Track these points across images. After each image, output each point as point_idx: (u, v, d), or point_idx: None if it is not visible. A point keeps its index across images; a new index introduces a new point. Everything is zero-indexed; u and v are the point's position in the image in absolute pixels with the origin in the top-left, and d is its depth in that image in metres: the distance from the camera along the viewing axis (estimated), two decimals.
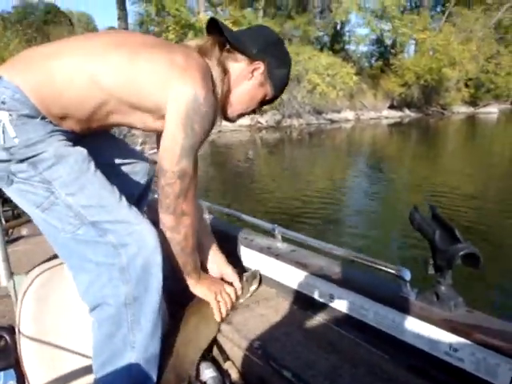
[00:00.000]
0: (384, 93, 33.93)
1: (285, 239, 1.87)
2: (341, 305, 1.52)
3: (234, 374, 1.45)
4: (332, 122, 27.57)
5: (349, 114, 30.22)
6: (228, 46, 1.46)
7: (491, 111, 39.93)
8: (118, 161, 1.61)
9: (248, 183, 10.38)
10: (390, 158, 15.21)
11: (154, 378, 1.30)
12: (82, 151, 1.28)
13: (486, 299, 4.18)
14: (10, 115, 1.17)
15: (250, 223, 2.02)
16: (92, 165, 1.29)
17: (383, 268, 1.41)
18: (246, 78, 1.47)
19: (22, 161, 1.20)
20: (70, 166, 1.23)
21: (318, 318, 1.58)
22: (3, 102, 1.17)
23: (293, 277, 1.70)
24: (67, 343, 1.44)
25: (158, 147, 1.62)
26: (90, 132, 1.38)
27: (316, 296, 1.62)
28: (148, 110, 1.34)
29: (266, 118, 23.82)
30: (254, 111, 1.58)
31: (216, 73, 1.39)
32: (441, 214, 1.30)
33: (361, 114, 31.35)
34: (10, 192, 1.27)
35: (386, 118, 32.77)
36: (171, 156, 1.30)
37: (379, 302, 1.41)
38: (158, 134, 1.52)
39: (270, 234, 1.91)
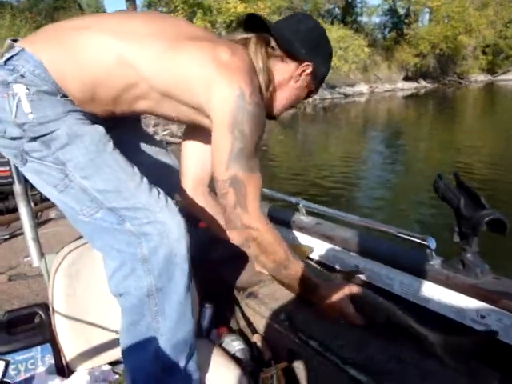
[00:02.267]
0: (398, 64, 33.45)
1: (309, 213, 1.88)
2: (366, 275, 1.53)
3: (262, 346, 1.48)
4: (346, 95, 27.29)
5: (363, 88, 29.87)
6: (273, 44, 1.35)
7: (510, 78, 39.07)
8: (148, 160, 1.53)
9: (264, 160, 10.36)
10: (407, 130, 15.03)
11: (183, 362, 1.25)
12: (98, 129, 1.18)
13: None
14: (28, 89, 1.08)
15: (274, 198, 2.03)
16: (110, 144, 1.18)
17: (408, 237, 1.42)
18: (292, 80, 1.38)
19: (34, 139, 1.11)
20: (84, 146, 1.13)
21: None
22: (22, 76, 1.09)
23: (318, 249, 1.71)
24: (99, 317, 1.49)
25: (184, 135, 1.60)
26: (113, 118, 1.28)
27: (341, 267, 1.63)
28: (185, 103, 1.24)
29: None
30: (294, 106, 1.50)
31: (262, 75, 1.30)
32: (465, 182, 1.30)
33: (375, 86, 30.98)
34: (25, 170, 1.19)
35: (402, 89, 32.33)
36: (219, 163, 1.19)
37: (404, 272, 1.42)
38: (189, 124, 1.49)
39: (294, 207, 1.92)
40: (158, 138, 11.67)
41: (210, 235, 2.12)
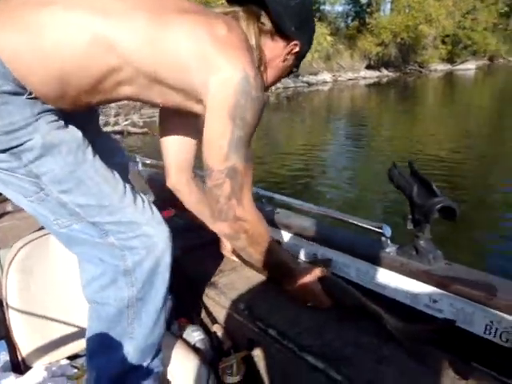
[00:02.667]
0: (361, 53, 33.80)
1: (267, 201, 1.88)
2: (324, 263, 1.55)
3: (222, 336, 1.48)
4: (309, 84, 27.41)
5: (326, 76, 30.07)
6: (263, 20, 1.22)
7: (469, 67, 40.15)
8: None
9: None
10: (369, 118, 15.22)
11: (148, 361, 1.23)
12: (76, 135, 1.04)
13: (465, 252, 4.30)
14: None
15: None
16: (89, 151, 1.05)
17: (364, 225, 1.44)
18: (279, 59, 1.27)
19: (2, 151, 0.96)
20: (62, 157, 0.99)
21: None
22: None
23: (277, 238, 1.72)
24: (55, 311, 1.46)
25: (161, 122, 1.48)
26: (87, 109, 1.14)
27: (300, 256, 1.65)
28: (176, 87, 1.09)
29: None
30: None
31: (255, 53, 1.17)
32: (419, 170, 1.33)
33: (338, 75, 31.24)
34: None
35: (364, 78, 32.70)
36: (217, 152, 1.09)
37: (361, 259, 1.44)
38: (166, 108, 1.32)
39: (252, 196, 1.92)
40: (119, 128, 11.48)
41: (171, 227, 2.11)
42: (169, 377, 1.36)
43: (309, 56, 25.74)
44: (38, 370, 1.41)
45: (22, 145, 0.95)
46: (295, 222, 1.70)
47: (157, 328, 1.21)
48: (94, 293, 1.15)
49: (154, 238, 1.11)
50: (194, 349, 1.47)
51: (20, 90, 0.94)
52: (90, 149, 1.06)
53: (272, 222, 1.75)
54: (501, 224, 5.31)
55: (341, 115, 16.13)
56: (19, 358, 1.42)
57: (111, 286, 1.12)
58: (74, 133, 1.04)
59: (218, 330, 1.51)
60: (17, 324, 1.41)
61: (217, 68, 1.04)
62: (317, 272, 1.39)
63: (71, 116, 1.09)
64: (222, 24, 1.09)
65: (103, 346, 1.19)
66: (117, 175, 1.11)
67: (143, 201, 1.13)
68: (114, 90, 1.06)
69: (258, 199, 1.90)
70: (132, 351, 1.18)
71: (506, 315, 1.10)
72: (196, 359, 1.40)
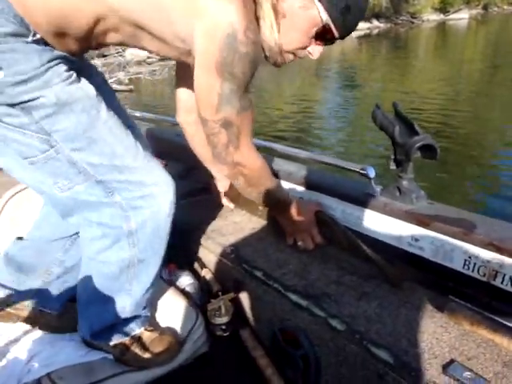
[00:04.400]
0: None
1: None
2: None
3: (211, 279, 1.51)
4: None
5: None
6: None
7: (462, 17, 39.40)
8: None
9: None
10: (359, 70, 15.08)
11: (140, 311, 1.26)
12: (89, 92, 1.01)
13: (449, 192, 4.38)
14: None
15: None
16: (103, 109, 1.03)
17: (349, 167, 1.45)
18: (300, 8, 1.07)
19: (11, 104, 0.92)
20: (76, 116, 0.97)
21: None
22: None
23: None
24: None
25: (177, 75, 1.45)
26: (90, 50, 1.11)
27: None
28: (164, 39, 1.04)
29: None
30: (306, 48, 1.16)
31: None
32: (402, 111, 1.32)
33: None
34: None
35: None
36: (208, 105, 1.06)
37: (346, 201, 1.46)
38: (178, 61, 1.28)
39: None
40: None
41: None
42: (159, 320, 1.39)
43: None
44: None
45: (32, 100, 0.92)
46: (281, 167, 1.70)
47: (154, 286, 1.25)
48: (95, 253, 1.17)
49: (158, 199, 1.11)
50: (184, 293, 1.50)
51: (24, 31, 0.89)
52: (103, 106, 1.04)
53: None
54: (482, 166, 5.55)
55: (330, 67, 15.89)
56: None
57: (113, 247, 1.14)
58: (87, 89, 1.01)
59: (206, 274, 1.54)
60: None
61: (202, 14, 0.97)
62: (313, 206, 1.47)
63: (82, 68, 1.07)
64: None
65: (100, 299, 1.21)
66: (130, 133, 1.10)
67: (153, 162, 1.14)
68: (106, 36, 1.04)
69: None
70: (128, 305, 1.22)
71: (483, 250, 1.12)
72: (185, 302, 1.43)
